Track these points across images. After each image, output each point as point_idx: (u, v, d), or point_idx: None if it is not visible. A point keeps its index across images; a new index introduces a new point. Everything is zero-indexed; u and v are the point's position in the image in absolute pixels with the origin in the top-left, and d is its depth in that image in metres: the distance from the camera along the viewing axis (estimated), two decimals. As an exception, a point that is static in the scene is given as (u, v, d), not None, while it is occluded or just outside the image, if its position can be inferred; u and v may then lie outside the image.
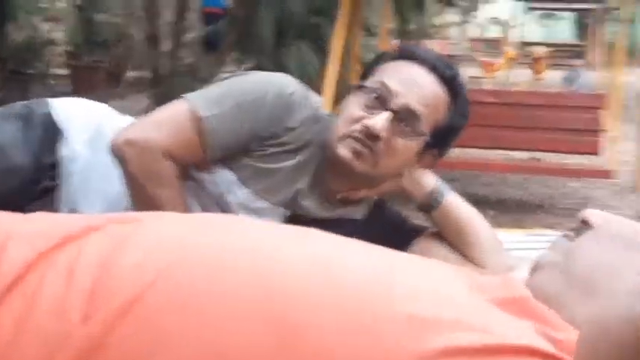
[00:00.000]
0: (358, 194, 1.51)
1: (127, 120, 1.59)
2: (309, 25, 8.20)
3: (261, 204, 1.46)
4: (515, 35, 22.28)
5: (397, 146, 1.40)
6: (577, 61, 19.00)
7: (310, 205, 1.49)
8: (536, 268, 0.90)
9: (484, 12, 29.16)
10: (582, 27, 24.83)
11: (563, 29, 27.92)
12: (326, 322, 0.69)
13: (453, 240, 1.47)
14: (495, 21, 28.13)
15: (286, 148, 1.44)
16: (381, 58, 1.50)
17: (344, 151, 1.38)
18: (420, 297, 0.75)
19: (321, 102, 1.52)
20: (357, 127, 1.38)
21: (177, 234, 0.85)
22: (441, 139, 1.45)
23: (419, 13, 9.35)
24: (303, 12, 8.12)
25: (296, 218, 1.45)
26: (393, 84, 1.39)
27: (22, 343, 0.74)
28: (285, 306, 0.71)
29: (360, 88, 1.44)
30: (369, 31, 8.54)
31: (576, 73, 8.59)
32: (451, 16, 26.44)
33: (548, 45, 20.61)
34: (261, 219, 1.43)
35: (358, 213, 1.55)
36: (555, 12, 25.89)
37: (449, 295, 0.77)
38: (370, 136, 1.37)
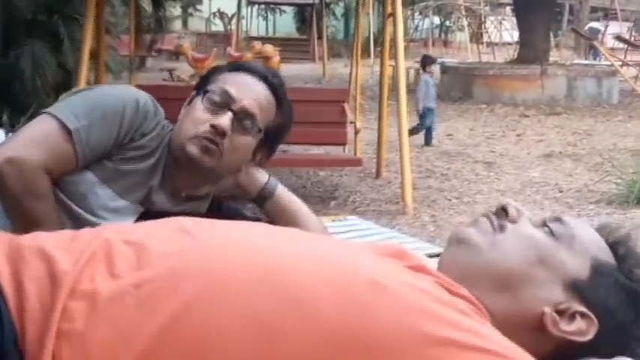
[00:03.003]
0: (202, 190, 1.68)
1: None
2: (38, 23, 7.77)
3: (120, 203, 1.61)
4: (238, 29, 22.72)
5: (238, 143, 1.59)
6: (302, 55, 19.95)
7: (160, 200, 1.65)
8: (457, 241, 1.04)
9: (208, 6, 29.51)
10: (303, 21, 26.10)
11: (285, 23, 29.10)
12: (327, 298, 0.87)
13: (285, 226, 1.63)
14: (220, 15, 28.58)
15: (143, 151, 1.60)
16: (216, 71, 1.70)
17: (193, 149, 1.56)
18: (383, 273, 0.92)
19: (164, 112, 1.67)
20: (205, 127, 1.57)
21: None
22: (270, 138, 1.67)
23: (155, 10, 9.29)
24: (29, 9, 7.67)
25: (148, 214, 1.61)
26: (232, 90, 1.60)
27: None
28: (294, 287, 0.88)
29: (204, 93, 1.61)
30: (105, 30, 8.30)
31: None
32: (174, 9, 26.43)
33: (272, 39, 21.37)
34: (118, 217, 1.59)
35: (202, 207, 1.71)
36: (276, 6, 26.86)
37: (387, 266, 0.95)
38: (217, 134, 1.56)
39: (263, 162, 1.72)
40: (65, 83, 6.83)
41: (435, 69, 9.79)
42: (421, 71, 9.54)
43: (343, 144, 5.90)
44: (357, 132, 6.03)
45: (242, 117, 1.59)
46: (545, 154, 7.68)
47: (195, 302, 0.86)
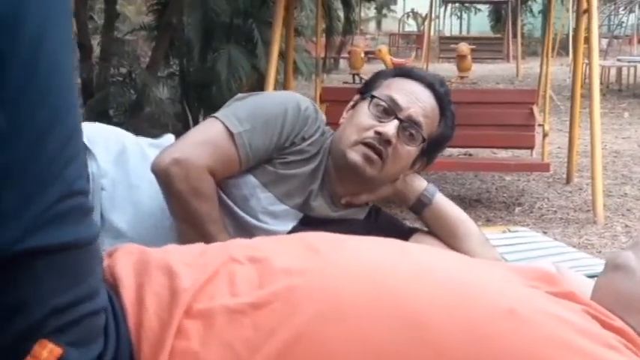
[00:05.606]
0: (360, 199, 1.66)
1: (144, 140, 1.73)
2: (235, 27, 8.11)
3: (280, 207, 1.61)
4: (430, 28, 22.46)
5: (401, 152, 1.57)
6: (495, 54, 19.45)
7: (319, 205, 1.64)
8: (615, 268, 0.95)
9: (402, 6, 29.55)
10: (498, 19, 25.44)
11: (479, 22, 28.50)
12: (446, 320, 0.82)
13: (444, 236, 1.62)
14: (413, 15, 28.53)
15: (303, 156, 1.61)
16: (381, 75, 1.67)
17: (356, 156, 1.55)
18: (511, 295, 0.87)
19: (324, 118, 1.67)
20: (370, 133, 1.55)
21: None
22: (431, 148, 1.63)
23: (346, 11, 9.43)
24: (227, 13, 8.03)
25: (308, 219, 1.62)
26: (399, 98, 1.57)
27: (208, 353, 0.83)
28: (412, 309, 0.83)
29: (371, 98, 1.59)
30: (296, 31, 8.52)
31: None
32: (368, 10, 26.67)
33: (465, 39, 20.96)
34: (278, 221, 1.60)
35: (360, 214, 1.70)
36: (471, 5, 26.35)
37: (527, 294, 0.88)
38: (382, 142, 1.54)
39: (420, 170, 1.68)
40: (258, 85, 7.07)
41: None
42: None
43: (531, 148, 5.65)
44: (545, 135, 5.75)
45: (408, 126, 1.56)
46: None
47: (313, 326, 0.82)
